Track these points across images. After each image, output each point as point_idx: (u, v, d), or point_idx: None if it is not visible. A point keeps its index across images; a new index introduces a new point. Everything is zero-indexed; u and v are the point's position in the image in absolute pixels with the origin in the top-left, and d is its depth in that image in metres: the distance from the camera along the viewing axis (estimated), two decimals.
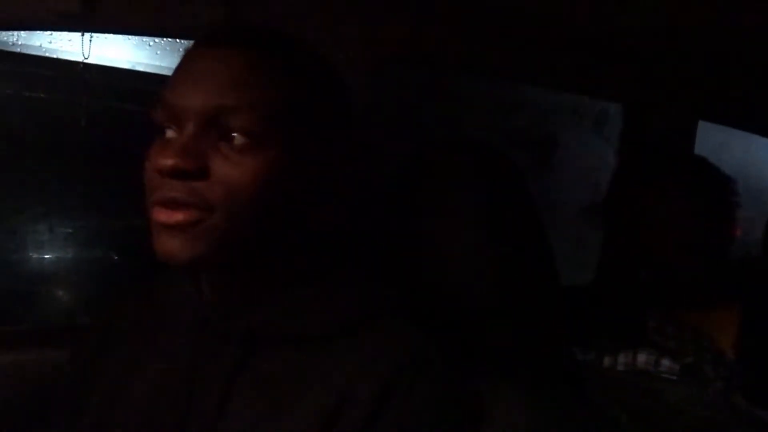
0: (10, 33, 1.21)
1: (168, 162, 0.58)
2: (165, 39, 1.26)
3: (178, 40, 1.30)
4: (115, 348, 0.73)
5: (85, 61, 0.96)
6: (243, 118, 0.60)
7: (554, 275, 0.88)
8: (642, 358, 0.94)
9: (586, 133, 1.76)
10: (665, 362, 0.94)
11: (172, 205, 0.59)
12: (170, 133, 0.62)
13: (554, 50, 1.33)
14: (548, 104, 1.75)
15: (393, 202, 0.87)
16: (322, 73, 0.68)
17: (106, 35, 1.05)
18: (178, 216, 0.59)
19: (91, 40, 0.94)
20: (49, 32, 1.07)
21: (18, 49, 1.22)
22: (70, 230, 1.54)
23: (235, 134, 0.60)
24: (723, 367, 0.98)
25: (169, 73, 0.67)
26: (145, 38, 1.28)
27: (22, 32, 1.20)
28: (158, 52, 1.30)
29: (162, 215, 0.60)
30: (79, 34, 0.95)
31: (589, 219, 1.26)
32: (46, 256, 1.56)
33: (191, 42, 0.66)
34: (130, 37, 1.28)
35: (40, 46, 1.24)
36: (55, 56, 1.23)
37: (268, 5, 0.95)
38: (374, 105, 1.11)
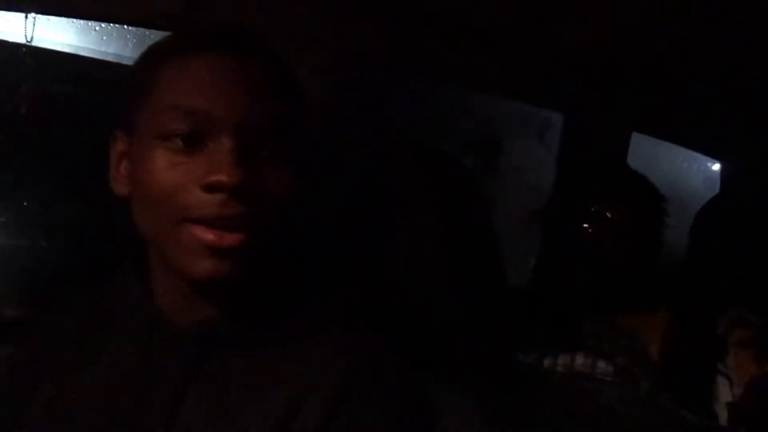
0: None
1: (229, 179, 0.56)
2: (112, 24, 1.22)
3: (125, 27, 1.26)
4: (60, 350, 0.70)
5: (27, 43, 0.92)
6: (279, 133, 0.61)
7: (503, 278, 0.91)
8: (579, 360, 0.99)
9: (530, 140, 1.82)
10: (601, 364, 0.99)
11: (223, 222, 0.58)
12: (177, 141, 0.59)
13: (502, 58, 1.37)
14: (495, 111, 1.79)
15: (348, 207, 0.88)
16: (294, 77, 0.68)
17: (49, 17, 1.01)
18: (230, 239, 0.58)
19: (34, 23, 0.90)
20: None
21: None
22: (2, 219, 1.46)
23: (270, 147, 0.60)
24: (651, 368, 1.04)
25: (114, 59, 0.64)
26: (90, 23, 1.24)
27: None
28: (104, 38, 1.25)
29: (211, 236, 0.58)
30: (23, 15, 0.91)
31: (530, 223, 1.31)
32: None
33: (140, 29, 0.64)
34: (74, 20, 1.23)
35: None
36: None
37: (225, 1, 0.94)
38: (326, 107, 1.12)
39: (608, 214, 1.07)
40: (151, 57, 0.64)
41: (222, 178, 0.56)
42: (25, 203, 1.51)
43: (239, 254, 0.59)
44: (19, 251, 1.56)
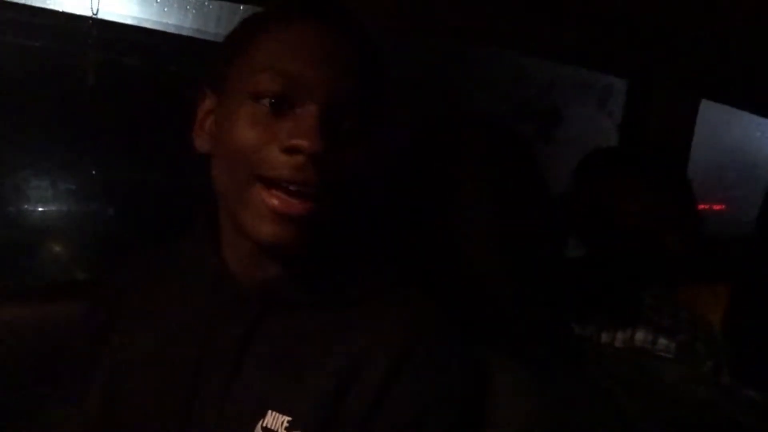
0: None
1: (311, 144, 0.57)
2: None
3: None
4: (128, 307, 0.73)
5: (93, 16, 0.95)
6: (361, 108, 0.62)
7: (559, 249, 0.90)
8: (640, 335, 0.97)
9: (590, 107, 1.76)
10: (662, 340, 0.96)
11: (296, 187, 0.59)
12: (265, 102, 0.60)
13: (560, 23, 1.32)
14: (553, 77, 1.74)
15: (403, 177, 0.88)
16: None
17: None
18: (297, 207, 0.59)
19: None
20: None
21: (24, 1, 1.20)
22: (72, 186, 1.53)
23: (352, 121, 0.61)
24: (714, 345, 1.01)
25: (175, 30, 0.65)
26: None
27: None
28: (165, 9, 1.28)
29: (277, 201, 0.59)
30: None
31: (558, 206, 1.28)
32: (47, 209, 1.55)
33: (199, 0, 0.65)
34: None
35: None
36: (62, 10, 1.20)
37: None
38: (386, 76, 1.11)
39: (641, 198, 1.04)
40: (250, 22, 0.66)
41: (303, 142, 0.57)
42: (93, 171, 1.58)
43: (304, 223, 0.60)
44: (88, 217, 1.64)
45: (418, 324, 0.65)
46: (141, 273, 0.76)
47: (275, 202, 0.59)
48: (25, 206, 1.53)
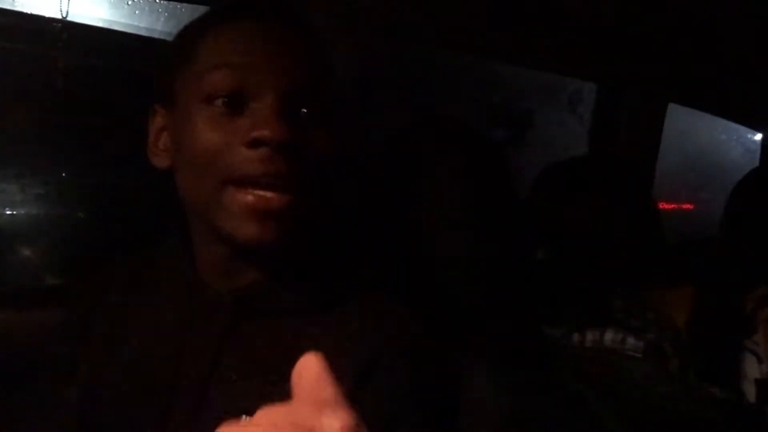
0: None
1: (274, 133, 0.57)
2: None
3: (157, 0, 1.27)
4: (105, 315, 0.73)
5: (63, 18, 0.94)
6: (318, 94, 0.62)
7: (530, 253, 0.91)
8: (609, 335, 0.99)
9: (561, 112, 1.79)
10: (630, 340, 0.98)
11: (268, 181, 0.58)
12: (219, 103, 0.59)
13: (532, 29, 1.34)
14: (524, 82, 1.77)
15: (376, 179, 0.88)
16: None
17: None
18: (275, 202, 0.58)
19: None
20: None
21: None
22: (42, 189, 1.50)
23: (309, 107, 0.61)
24: (680, 344, 1.04)
25: (146, 33, 0.66)
26: None
27: None
28: (137, 12, 1.27)
29: (252, 199, 0.58)
30: None
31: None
32: (16, 212, 1.53)
33: (171, 3, 0.65)
34: None
35: (13, 1, 1.19)
36: (30, 12, 1.18)
37: None
38: (355, 81, 1.11)
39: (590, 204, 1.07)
40: (191, 28, 0.66)
41: (266, 132, 0.57)
42: (63, 174, 1.55)
43: (284, 216, 0.60)
44: (58, 220, 1.61)
45: (389, 327, 0.65)
46: (118, 280, 0.76)
47: (251, 199, 0.58)
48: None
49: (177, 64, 0.64)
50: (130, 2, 1.24)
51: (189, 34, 0.65)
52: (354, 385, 0.62)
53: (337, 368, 0.62)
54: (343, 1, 1.06)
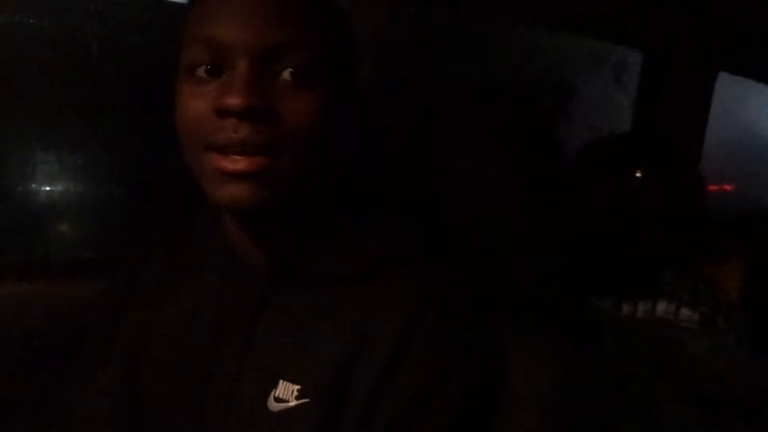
0: None
1: (234, 100, 0.55)
2: None
3: None
4: (144, 284, 0.74)
5: None
6: (299, 54, 0.58)
7: (576, 221, 0.88)
8: (662, 306, 0.95)
9: (605, 82, 1.73)
10: (684, 311, 0.95)
11: (236, 149, 0.57)
12: (201, 72, 0.59)
13: None
14: (566, 50, 1.71)
15: (417, 147, 0.86)
16: (343, 13, 0.67)
17: None
18: (244, 163, 0.57)
19: None
20: None
21: None
22: (79, 165, 1.52)
23: (289, 71, 0.58)
24: (734, 318, 0.99)
25: (183, 2, 0.64)
26: None
27: None
28: None
29: (225, 163, 0.58)
30: None
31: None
32: (53, 189, 1.55)
33: None
34: None
35: None
36: None
37: None
38: (393, 46, 1.09)
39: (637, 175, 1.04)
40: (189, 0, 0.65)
41: (231, 101, 0.56)
42: (99, 149, 1.57)
43: (258, 178, 0.58)
44: (95, 196, 1.63)
45: (429, 296, 0.64)
46: (157, 252, 0.76)
47: (223, 163, 0.58)
48: (33, 185, 1.52)
49: (179, 35, 0.64)
50: None
51: (188, 5, 0.64)
52: (391, 354, 0.61)
53: (370, 342, 0.61)
54: None
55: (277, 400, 0.62)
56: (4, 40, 1.34)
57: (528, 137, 0.84)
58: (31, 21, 1.33)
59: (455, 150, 0.82)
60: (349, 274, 0.65)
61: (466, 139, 0.82)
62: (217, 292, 0.68)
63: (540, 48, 1.67)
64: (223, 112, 0.57)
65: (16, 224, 1.50)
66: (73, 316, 0.93)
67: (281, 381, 0.63)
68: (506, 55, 1.64)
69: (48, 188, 1.54)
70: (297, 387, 0.62)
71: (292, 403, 0.61)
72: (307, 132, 0.59)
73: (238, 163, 0.57)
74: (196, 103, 0.59)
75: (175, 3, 1.22)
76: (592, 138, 1.14)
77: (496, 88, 0.94)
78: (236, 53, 0.58)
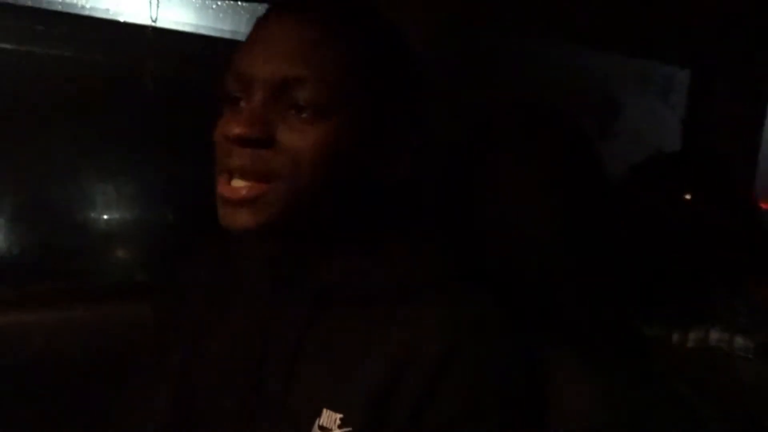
0: None
1: (236, 129, 0.59)
2: (228, 1, 1.26)
3: (239, 3, 1.30)
4: (192, 303, 0.75)
5: (153, 24, 0.97)
6: (310, 89, 0.60)
7: (622, 245, 0.86)
8: (715, 335, 0.92)
9: (651, 100, 1.70)
10: (739, 340, 0.91)
11: (236, 174, 0.60)
12: (229, 106, 0.63)
13: (618, 12, 1.28)
14: (611, 68, 1.69)
15: (460, 166, 0.86)
16: (389, 41, 0.68)
17: None
18: (241, 192, 0.60)
19: (158, 4, 0.94)
20: None
21: (87, 12, 1.25)
22: (135, 190, 1.58)
23: (301, 104, 0.61)
24: None
25: (231, 36, 0.67)
26: (208, 0, 1.29)
27: None
28: (221, 15, 1.30)
29: (225, 190, 0.61)
30: None
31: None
32: (109, 216, 1.61)
33: (252, 5, 0.67)
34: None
35: (108, 9, 1.26)
36: (121, 20, 1.24)
37: None
38: (437, 68, 1.10)
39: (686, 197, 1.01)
40: None
41: (232, 129, 0.59)
42: (150, 178, 1.62)
43: (257, 205, 0.61)
44: (149, 222, 1.69)
45: (468, 318, 0.64)
46: (203, 271, 0.78)
47: (219, 189, 0.61)
48: (92, 214, 1.59)
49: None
50: (214, 6, 1.28)
51: None
52: (432, 376, 0.61)
53: (412, 364, 0.61)
54: None
55: (322, 429, 0.63)
56: (65, 75, 1.42)
57: (570, 157, 0.83)
58: (87, 56, 1.41)
59: (497, 169, 0.82)
60: (389, 296, 0.66)
61: (507, 159, 0.82)
62: (263, 313, 0.69)
63: (585, 67, 1.66)
64: (226, 138, 0.60)
65: (74, 249, 1.57)
66: (125, 338, 0.95)
67: (325, 410, 0.63)
68: (550, 73, 1.63)
69: (105, 216, 1.60)
70: (339, 416, 0.63)
71: None
72: (308, 162, 0.61)
73: (235, 192, 0.60)
74: (220, 128, 0.62)
75: (220, 38, 1.27)
76: (640, 157, 1.12)
77: (538, 107, 0.93)
78: (253, 85, 0.61)
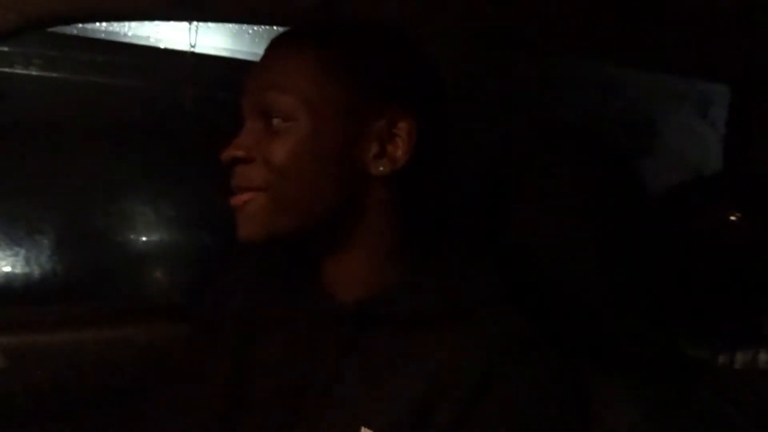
0: (122, 24, 1.29)
1: (222, 154, 0.65)
2: (264, 27, 1.30)
3: (274, 28, 1.33)
4: (233, 324, 0.76)
5: (192, 50, 1.00)
6: (274, 98, 0.64)
7: (664, 265, 0.84)
8: (764, 356, 0.88)
9: (689, 117, 1.67)
10: None
11: (234, 190, 0.65)
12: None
13: (653, 28, 1.26)
14: (648, 86, 1.67)
15: (493, 189, 0.86)
16: (377, 51, 0.68)
17: (208, 24, 1.09)
18: (240, 199, 0.65)
19: (197, 30, 0.98)
20: (155, 23, 1.13)
21: (129, 40, 1.29)
22: (173, 215, 1.61)
23: (271, 115, 0.65)
24: None
25: None
26: (244, 26, 1.32)
27: (133, 23, 1.27)
28: (257, 40, 1.34)
29: (233, 202, 0.66)
30: (186, 24, 0.99)
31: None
32: (150, 238, 1.64)
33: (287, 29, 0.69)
34: (230, 25, 1.32)
35: (148, 37, 1.30)
36: (162, 46, 1.29)
37: None
38: (469, 89, 1.10)
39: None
40: None
41: (221, 155, 0.65)
42: (191, 201, 1.66)
43: (253, 215, 0.65)
44: (187, 244, 1.72)
45: (505, 341, 0.63)
46: (241, 290, 0.78)
47: (232, 202, 0.66)
48: (131, 235, 1.63)
49: None
50: (250, 31, 1.31)
51: None
52: (470, 398, 0.60)
53: (451, 384, 0.61)
54: (444, 14, 1.05)
55: None
56: (106, 102, 1.47)
57: (604, 178, 0.82)
58: (129, 82, 1.46)
59: (533, 193, 0.81)
60: (429, 317, 0.66)
61: (543, 183, 0.81)
62: (305, 334, 0.70)
63: (619, 86, 1.64)
64: (223, 163, 0.66)
65: (115, 270, 1.61)
66: (165, 358, 0.96)
67: (363, 428, 0.63)
68: (584, 93, 1.62)
69: (144, 238, 1.64)
70: None
71: None
72: (283, 170, 0.64)
73: (238, 202, 0.65)
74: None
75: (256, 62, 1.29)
76: (680, 175, 1.10)
77: (572, 129, 0.92)
78: (244, 110, 0.66)
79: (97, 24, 1.26)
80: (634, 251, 0.82)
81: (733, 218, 0.98)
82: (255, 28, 1.33)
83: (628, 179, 0.84)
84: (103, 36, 1.30)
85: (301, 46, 0.66)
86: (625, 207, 0.83)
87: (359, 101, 0.66)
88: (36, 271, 1.48)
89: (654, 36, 1.26)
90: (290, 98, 0.64)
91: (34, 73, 1.40)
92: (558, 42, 1.21)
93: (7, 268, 1.48)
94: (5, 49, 1.37)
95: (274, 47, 0.68)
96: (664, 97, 1.70)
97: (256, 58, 0.66)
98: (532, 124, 0.92)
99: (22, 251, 1.46)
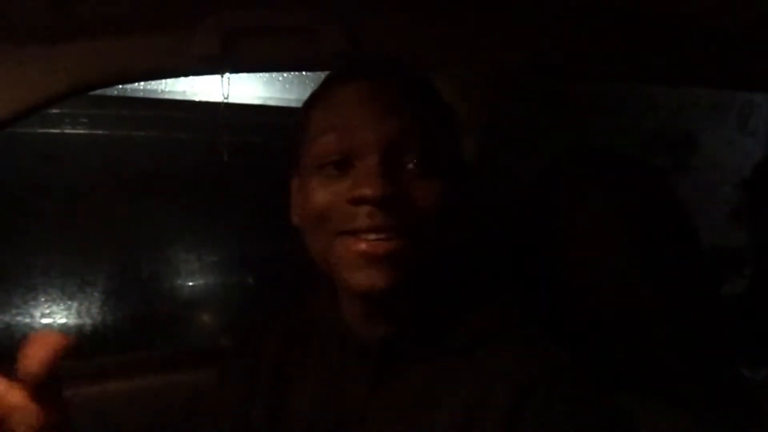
0: (159, 81, 1.34)
1: (374, 192, 0.60)
2: (293, 73, 1.34)
3: (303, 73, 1.37)
4: (267, 369, 0.77)
5: (225, 101, 1.03)
6: (420, 146, 0.63)
7: (711, 284, 0.82)
8: None
9: (729, 129, 1.63)
10: None
11: (372, 233, 0.61)
12: (329, 164, 0.64)
13: (685, 45, 1.24)
14: (683, 101, 1.63)
15: (529, 217, 0.85)
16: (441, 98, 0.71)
17: (240, 74, 1.12)
18: (386, 246, 0.61)
19: (229, 81, 1.01)
20: (190, 77, 1.18)
21: (166, 96, 1.35)
22: (216, 258, 1.65)
23: (414, 161, 0.63)
24: None
25: (297, 105, 0.71)
26: (275, 74, 1.37)
27: (168, 79, 1.33)
28: (287, 86, 1.38)
29: (364, 246, 0.61)
30: (218, 76, 1.02)
31: (736, 224, 1.17)
32: (194, 283, 1.68)
33: (317, 74, 0.70)
34: (261, 74, 1.36)
35: (184, 91, 1.35)
36: (197, 99, 1.34)
37: (388, 32, 0.97)
38: (500, 118, 1.10)
39: None
40: (308, 98, 0.71)
41: (365, 191, 0.60)
42: (233, 244, 1.69)
43: (393, 263, 0.61)
44: (231, 287, 1.75)
45: (537, 366, 0.62)
46: (274, 335, 0.79)
47: (363, 246, 0.61)
48: (178, 281, 1.67)
49: (297, 135, 0.69)
50: (280, 78, 1.35)
51: (305, 106, 0.70)
52: (505, 421, 0.59)
53: (483, 411, 0.60)
54: (478, 42, 1.05)
55: None
56: (151, 153, 1.52)
57: (646, 199, 0.81)
58: (170, 135, 1.51)
59: (572, 221, 0.81)
60: (459, 348, 0.66)
61: (581, 210, 0.80)
62: (336, 373, 0.70)
63: (656, 102, 1.61)
64: (360, 201, 0.61)
65: (163, 317, 1.64)
66: (193, 404, 0.97)
67: None
68: (616, 114, 1.59)
69: (190, 283, 1.68)
70: None
71: None
72: (433, 216, 0.63)
73: (378, 247, 0.61)
74: (326, 195, 0.63)
75: (285, 107, 1.34)
76: (721, 190, 1.07)
77: (607, 152, 0.91)
78: (367, 147, 0.62)
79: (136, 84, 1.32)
80: (680, 271, 0.80)
81: None
82: (284, 75, 1.37)
83: (666, 198, 0.82)
84: (142, 94, 1.36)
85: (418, 92, 0.67)
86: (667, 226, 0.81)
87: (459, 151, 0.69)
88: (88, 323, 1.52)
89: (686, 53, 1.24)
90: (434, 141, 0.64)
91: (81, 131, 1.48)
92: (588, 67, 1.20)
93: (63, 320, 1.54)
94: (54, 111, 1.44)
95: (388, 87, 0.65)
96: (702, 109, 1.66)
97: (288, 104, 0.67)
98: (569, 151, 0.91)
99: (74, 304, 1.51)
